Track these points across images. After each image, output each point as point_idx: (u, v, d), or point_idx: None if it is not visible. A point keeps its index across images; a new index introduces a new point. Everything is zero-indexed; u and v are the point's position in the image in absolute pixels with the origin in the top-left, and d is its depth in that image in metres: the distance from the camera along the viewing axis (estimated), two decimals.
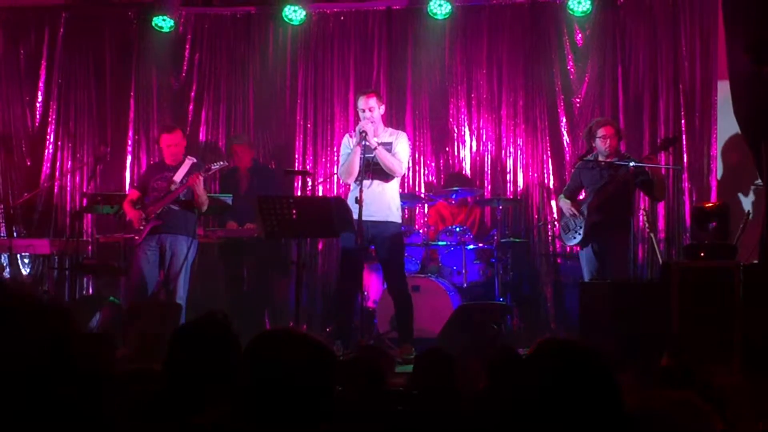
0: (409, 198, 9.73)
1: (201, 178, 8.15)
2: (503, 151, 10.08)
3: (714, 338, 6.53)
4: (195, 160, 8.53)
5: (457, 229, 9.41)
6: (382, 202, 7.87)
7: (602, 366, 2.44)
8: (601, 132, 8.19)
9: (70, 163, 10.61)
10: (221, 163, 8.49)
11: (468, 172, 10.13)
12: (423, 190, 10.18)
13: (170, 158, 8.47)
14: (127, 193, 8.76)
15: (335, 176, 9.89)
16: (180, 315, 7.81)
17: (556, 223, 9.50)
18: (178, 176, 8.30)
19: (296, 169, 10.25)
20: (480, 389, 4.03)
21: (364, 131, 7.71)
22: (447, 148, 10.23)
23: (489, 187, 10.06)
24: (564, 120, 9.89)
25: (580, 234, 8.25)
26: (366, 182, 7.70)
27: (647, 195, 8.54)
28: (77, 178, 10.62)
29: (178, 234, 8.25)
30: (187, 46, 10.58)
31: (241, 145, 9.69)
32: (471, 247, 9.31)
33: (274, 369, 2.32)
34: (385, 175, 7.86)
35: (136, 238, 8.30)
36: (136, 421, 2.68)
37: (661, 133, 9.52)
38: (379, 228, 7.85)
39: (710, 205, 7.88)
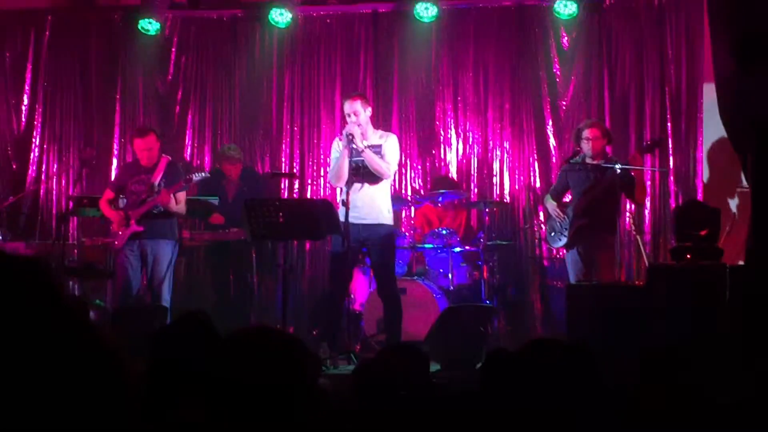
0: (395, 201, 9.64)
1: (171, 196, 8.08)
2: (489, 154, 10.08)
3: (701, 340, 6.52)
4: (170, 159, 8.46)
5: (444, 231, 9.39)
6: (373, 204, 7.85)
7: (592, 364, 2.44)
8: (586, 134, 8.19)
9: (56, 166, 10.55)
10: (202, 174, 8.40)
11: (454, 175, 10.12)
12: (409, 192, 10.17)
13: (145, 160, 8.35)
14: (104, 193, 8.59)
15: (322, 179, 9.90)
16: (166, 318, 7.79)
17: (542, 225, 9.51)
18: (156, 178, 8.21)
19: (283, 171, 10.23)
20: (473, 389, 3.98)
21: (350, 134, 7.71)
22: (433, 151, 10.23)
23: (475, 189, 10.07)
24: (550, 123, 9.91)
25: (565, 236, 8.26)
26: (356, 185, 7.72)
27: (628, 197, 8.53)
28: (63, 181, 10.57)
29: (159, 239, 8.20)
30: (174, 49, 10.54)
31: (232, 163, 9.45)
32: (458, 249, 9.30)
33: (245, 365, 2.31)
34: (375, 178, 7.84)
35: (116, 242, 8.22)
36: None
37: (647, 136, 9.53)
38: (371, 231, 7.84)
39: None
